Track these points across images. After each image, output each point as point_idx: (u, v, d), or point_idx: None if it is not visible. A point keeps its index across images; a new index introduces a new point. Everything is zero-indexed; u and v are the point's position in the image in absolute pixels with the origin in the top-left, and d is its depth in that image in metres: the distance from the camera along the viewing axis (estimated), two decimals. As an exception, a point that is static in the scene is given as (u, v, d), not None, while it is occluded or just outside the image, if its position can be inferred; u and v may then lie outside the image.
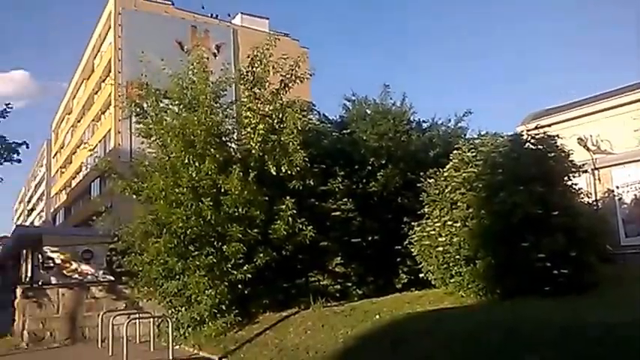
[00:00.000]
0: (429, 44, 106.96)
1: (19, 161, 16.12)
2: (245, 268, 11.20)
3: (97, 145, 42.58)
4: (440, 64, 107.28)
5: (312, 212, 12.11)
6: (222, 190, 11.44)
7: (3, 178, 16.23)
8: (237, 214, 11.35)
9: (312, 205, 12.33)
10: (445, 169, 10.79)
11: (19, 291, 14.25)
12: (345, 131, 13.98)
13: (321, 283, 12.31)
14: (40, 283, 15.16)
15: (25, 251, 18.68)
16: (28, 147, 16.43)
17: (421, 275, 11.03)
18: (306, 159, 11.62)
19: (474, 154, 10.31)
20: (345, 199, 12.58)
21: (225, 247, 11.33)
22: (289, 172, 11.50)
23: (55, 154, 67.28)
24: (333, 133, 14.11)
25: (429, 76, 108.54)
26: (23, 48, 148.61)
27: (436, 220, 10.31)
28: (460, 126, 15.17)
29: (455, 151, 10.90)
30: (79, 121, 52.26)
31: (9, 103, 15.97)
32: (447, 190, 10.33)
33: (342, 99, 15.25)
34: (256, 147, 11.80)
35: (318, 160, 12.67)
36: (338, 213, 12.49)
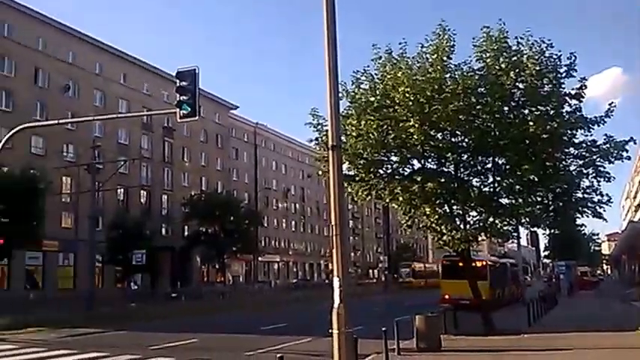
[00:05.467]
0: None
1: (629, 158, 15.96)
2: None
3: None
4: None
5: None
6: None
7: (615, 177, 16.30)
8: None
9: None
10: None
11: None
12: None
13: None
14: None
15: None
16: (635, 142, 16.23)
17: None
18: None
19: None
20: None
21: None
22: None
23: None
24: None
25: None
26: (615, 43, 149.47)
27: None
28: None
29: None
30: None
31: (612, 102, 15.71)
32: None
33: None
34: None
35: None
36: None
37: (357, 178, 16.56)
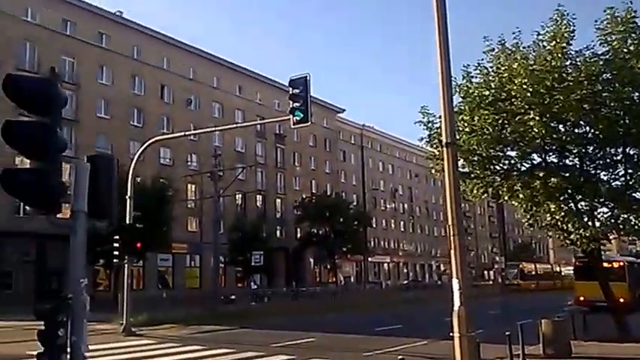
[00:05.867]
0: None
1: None
2: None
3: None
4: None
5: None
6: None
7: None
8: None
9: None
10: None
11: None
12: None
13: None
14: None
15: None
16: None
17: None
18: None
19: None
20: None
21: None
22: None
23: None
24: None
25: None
26: None
27: None
28: None
29: None
30: None
31: None
32: None
33: None
34: None
35: None
36: None
37: (472, 175, 16.06)
